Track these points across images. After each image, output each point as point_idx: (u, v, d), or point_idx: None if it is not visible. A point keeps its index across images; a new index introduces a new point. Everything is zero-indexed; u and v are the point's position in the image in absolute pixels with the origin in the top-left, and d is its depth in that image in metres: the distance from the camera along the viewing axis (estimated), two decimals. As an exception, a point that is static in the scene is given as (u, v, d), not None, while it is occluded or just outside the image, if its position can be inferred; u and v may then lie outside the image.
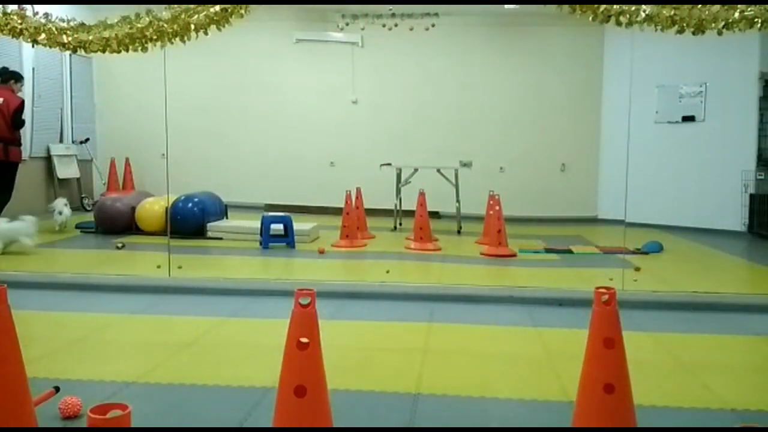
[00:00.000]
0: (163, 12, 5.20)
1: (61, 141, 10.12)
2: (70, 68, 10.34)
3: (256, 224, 7.40)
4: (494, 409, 2.99)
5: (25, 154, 9.29)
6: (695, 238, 8.35)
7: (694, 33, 4.80)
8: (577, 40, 10.15)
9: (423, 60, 10.42)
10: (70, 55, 9.94)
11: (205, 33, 5.23)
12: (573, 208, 10.30)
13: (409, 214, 8.17)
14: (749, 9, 4.61)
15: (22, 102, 7.40)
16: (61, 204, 8.00)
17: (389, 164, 9.23)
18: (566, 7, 4.95)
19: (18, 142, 7.49)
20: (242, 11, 5.18)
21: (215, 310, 4.62)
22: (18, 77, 7.52)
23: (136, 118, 10.51)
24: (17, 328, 2.40)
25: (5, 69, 7.50)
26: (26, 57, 9.25)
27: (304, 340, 2.24)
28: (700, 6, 4.71)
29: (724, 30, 4.70)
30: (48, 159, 9.79)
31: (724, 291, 5.24)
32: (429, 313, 4.67)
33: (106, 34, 5.25)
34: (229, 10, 5.14)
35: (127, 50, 5.30)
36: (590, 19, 4.92)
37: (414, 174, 8.94)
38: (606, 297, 2.41)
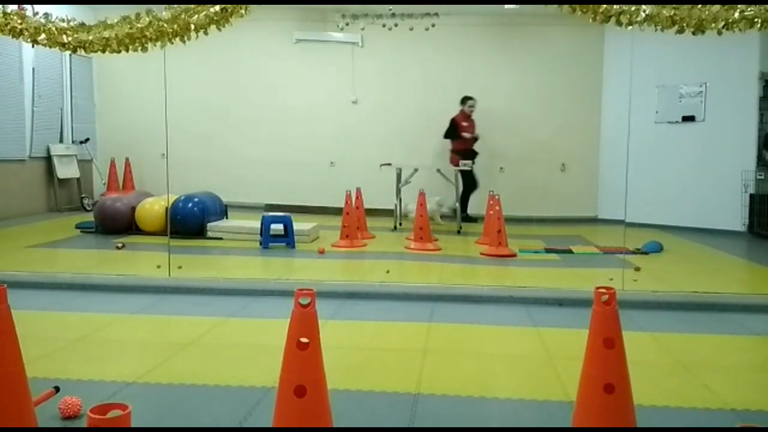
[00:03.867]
0: (163, 12, 5.21)
1: (61, 141, 10.13)
2: (70, 68, 10.34)
3: (256, 224, 7.40)
4: (494, 409, 2.99)
5: (24, 154, 9.34)
6: (695, 238, 8.35)
7: (694, 33, 4.80)
8: (577, 40, 10.15)
9: (423, 60, 10.42)
10: (70, 55, 9.94)
11: (205, 33, 5.24)
12: (573, 208, 10.30)
13: (409, 214, 8.18)
14: (749, 9, 4.61)
15: (452, 119, 9.54)
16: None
17: (389, 164, 9.23)
18: (566, 7, 4.95)
19: (455, 151, 9.52)
20: (242, 11, 5.19)
21: (215, 310, 4.62)
22: (462, 99, 9.63)
23: (136, 118, 10.51)
24: (17, 328, 2.40)
25: (464, 96, 9.66)
26: (26, 57, 9.26)
27: (304, 340, 2.24)
28: (700, 6, 4.71)
29: (724, 30, 4.70)
30: (48, 159, 9.80)
31: (724, 291, 5.24)
32: (429, 313, 4.67)
33: (106, 34, 5.25)
34: (229, 10, 5.14)
35: (127, 50, 5.31)
36: (590, 19, 4.92)
37: (414, 174, 8.94)
38: (606, 297, 2.41)
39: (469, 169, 8.99)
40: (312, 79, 10.60)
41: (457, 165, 9.18)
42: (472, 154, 9.46)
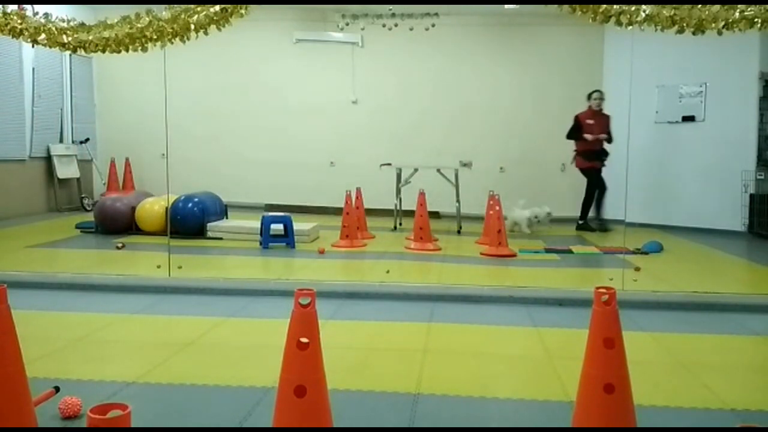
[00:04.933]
0: (163, 12, 5.21)
1: (61, 141, 10.13)
2: (70, 68, 10.34)
3: (256, 224, 7.40)
4: (494, 409, 2.99)
5: (24, 154, 9.34)
6: (695, 238, 8.35)
7: (694, 33, 4.80)
8: (577, 40, 10.14)
9: (423, 60, 10.42)
10: (70, 55, 9.94)
11: (205, 33, 5.24)
12: (573, 208, 10.28)
13: (409, 214, 8.17)
14: (749, 9, 4.61)
15: (575, 117, 8.78)
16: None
17: (389, 164, 9.23)
18: (566, 7, 4.95)
19: (580, 153, 8.87)
20: (242, 11, 5.19)
21: (215, 310, 4.62)
22: (588, 95, 8.85)
23: (136, 118, 10.51)
24: (17, 328, 2.40)
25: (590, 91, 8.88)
26: (26, 57, 9.26)
27: (304, 340, 2.24)
28: (700, 6, 4.72)
29: (724, 30, 4.70)
30: (48, 159, 9.80)
31: (724, 291, 5.24)
32: (429, 313, 4.67)
33: (106, 34, 5.25)
34: (229, 10, 5.14)
35: (127, 50, 5.31)
36: (590, 19, 4.92)
37: (414, 174, 8.94)
38: (606, 297, 2.41)
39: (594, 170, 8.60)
40: (312, 79, 10.60)
41: (582, 167, 8.87)
42: (598, 155, 8.72)
